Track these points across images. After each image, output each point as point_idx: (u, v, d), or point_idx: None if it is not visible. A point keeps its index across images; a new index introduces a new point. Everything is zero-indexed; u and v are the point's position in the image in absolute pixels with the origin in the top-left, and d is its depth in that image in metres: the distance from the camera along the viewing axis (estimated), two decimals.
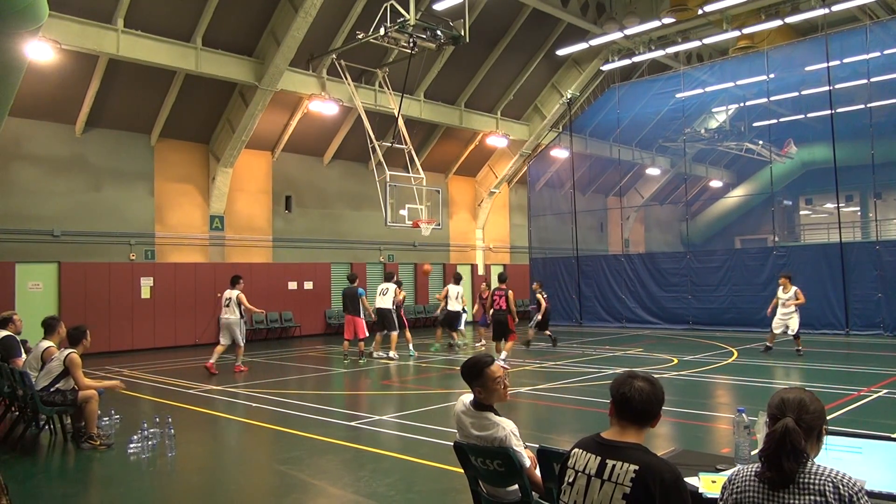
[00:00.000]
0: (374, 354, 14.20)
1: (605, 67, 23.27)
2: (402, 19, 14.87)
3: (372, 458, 6.54)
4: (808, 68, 20.24)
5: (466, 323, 17.94)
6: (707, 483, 2.85)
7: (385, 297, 14.21)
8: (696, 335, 18.11)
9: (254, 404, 9.41)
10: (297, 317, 20.12)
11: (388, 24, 15.04)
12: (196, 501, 5.67)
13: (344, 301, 14.28)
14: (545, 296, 16.25)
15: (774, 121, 25.39)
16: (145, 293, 17.43)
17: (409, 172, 17.88)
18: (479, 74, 21.69)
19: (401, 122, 18.46)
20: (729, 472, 2.53)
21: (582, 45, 21.21)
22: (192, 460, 6.77)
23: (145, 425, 6.89)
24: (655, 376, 2.53)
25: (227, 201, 18.95)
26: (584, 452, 2.43)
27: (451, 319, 15.79)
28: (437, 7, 16.13)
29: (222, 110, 18.17)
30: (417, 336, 16.68)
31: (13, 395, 7.40)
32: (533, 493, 3.33)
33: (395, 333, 14.12)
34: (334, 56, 18.16)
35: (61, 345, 7.34)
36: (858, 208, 30.90)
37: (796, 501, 2.08)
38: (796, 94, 22.90)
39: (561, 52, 21.96)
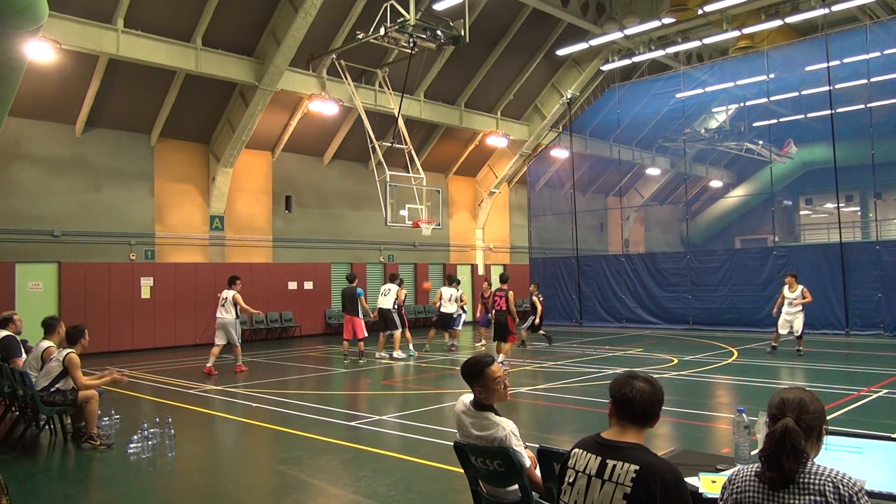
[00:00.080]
0: (377, 355, 14.20)
1: (605, 67, 23.27)
2: (402, 19, 14.87)
3: (372, 458, 6.54)
4: (808, 68, 20.25)
5: (466, 323, 17.92)
6: (707, 483, 2.85)
7: (386, 297, 14.24)
8: (696, 335, 18.11)
9: (254, 404, 9.41)
10: (297, 317, 20.12)
11: (388, 24, 15.04)
12: (196, 501, 5.67)
13: (343, 301, 14.29)
14: (541, 298, 16.35)
15: (774, 121, 25.39)
16: (145, 293, 17.43)
17: (409, 172, 17.88)
18: (479, 74, 21.69)
19: (401, 122, 18.46)
20: (729, 472, 2.53)
21: (582, 45, 21.21)
22: (193, 460, 6.77)
23: (145, 425, 6.89)
24: (655, 376, 2.53)
25: (228, 201, 18.95)
26: (585, 452, 2.43)
27: (445, 321, 15.80)
28: (437, 7, 16.13)
29: (222, 110, 18.17)
30: (417, 336, 16.67)
31: (13, 395, 7.40)
32: (533, 493, 3.33)
33: (398, 333, 14.16)
34: (334, 56, 18.16)
35: (61, 345, 7.34)
36: (858, 208, 30.90)
37: (796, 501, 2.08)
38: (796, 94, 22.91)
39: (561, 52, 21.96)
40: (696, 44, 21.95)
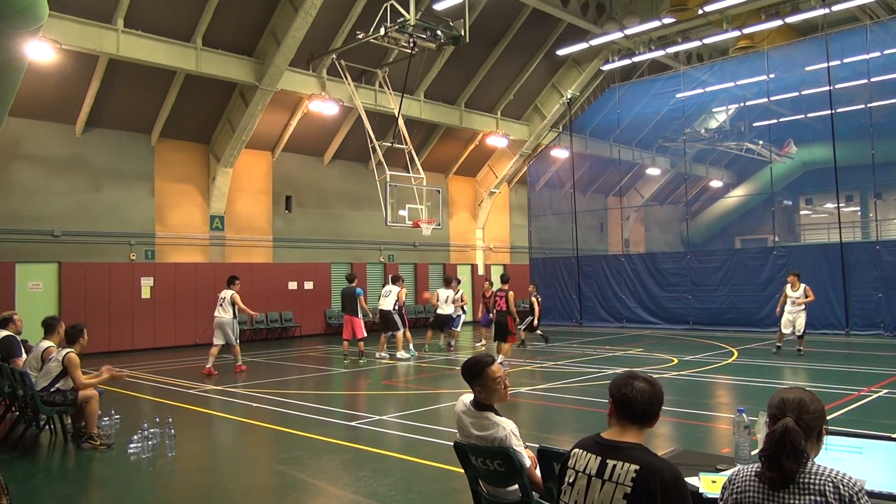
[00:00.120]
0: (377, 355, 14.20)
1: (606, 67, 23.27)
2: (402, 19, 14.87)
3: (372, 458, 6.54)
4: (808, 68, 20.25)
5: (465, 323, 17.89)
6: (707, 483, 2.85)
7: (387, 298, 14.26)
8: (696, 335, 18.11)
9: (254, 404, 9.41)
10: (297, 317, 20.12)
11: (388, 24, 15.04)
12: (196, 501, 5.67)
13: (342, 301, 14.30)
14: (539, 298, 16.36)
15: (774, 121, 25.39)
16: (145, 293, 17.44)
17: (409, 172, 17.87)
18: (479, 74, 21.69)
19: (401, 122, 18.46)
20: (729, 472, 2.53)
21: (582, 45, 21.21)
22: (193, 460, 6.77)
23: (145, 425, 6.89)
24: (655, 376, 2.53)
25: (228, 201, 18.95)
26: (585, 453, 2.43)
27: (441, 322, 15.79)
28: (437, 7, 16.13)
29: (222, 110, 18.17)
30: (416, 337, 16.66)
31: (13, 395, 7.40)
32: (533, 493, 3.33)
33: (399, 333, 14.19)
34: (334, 56, 18.16)
35: (60, 344, 7.34)
36: (858, 208, 30.90)
37: (796, 501, 2.08)
38: (796, 94, 22.90)
39: (561, 52, 21.96)
40: (696, 44, 21.95)
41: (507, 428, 3.36)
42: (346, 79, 18.55)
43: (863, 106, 18.82)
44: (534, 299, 16.17)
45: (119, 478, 6.16)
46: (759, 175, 30.04)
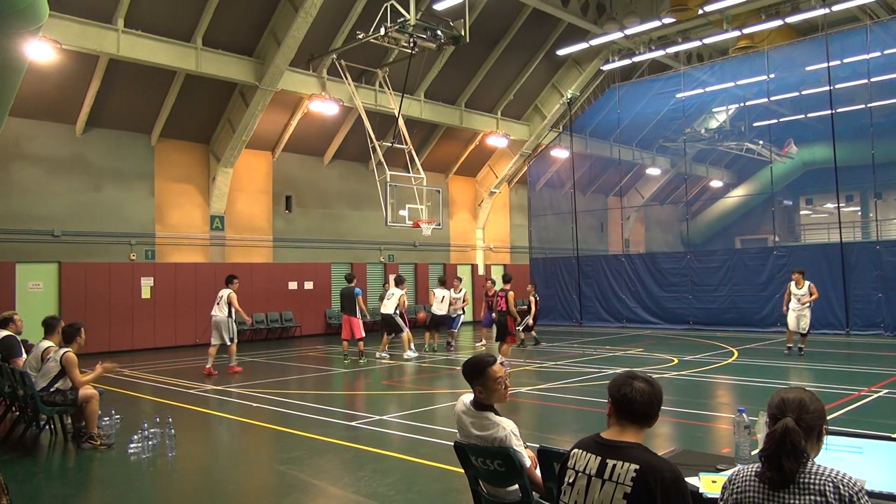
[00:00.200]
0: (377, 355, 14.22)
1: (606, 67, 23.27)
2: (402, 19, 14.87)
3: (372, 458, 6.54)
4: (808, 68, 20.25)
5: (465, 323, 17.87)
6: (707, 483, 2.85)
7: (389, 301, 14.29)
8: (696, 335, 18.11)
9: (254, 404, 9.41)
10: (297, 317, 20.12)
11: (389, 24, 15.04)
12: (196, 501, 5.67)
13: (341, 301, 14.31)
14: (537, 298, 16.37)
15: (775, 121, 25.38)
16: (146, 293, 17.44)
17: (409, 172, 17.88)
18: (480, 74, 21.69)
19: (401, 122, 18.46)
20: (729, 472, 2.53)
21: (582, 45, 21.21)
22: (193, 460, 6.77)
23: (145, 425, 6.89)
24: (655, 376, 2.53)
25: (228, 201, 18.96)
26: (584, 453, 2.43)
27: (437, 322, 15.78)
28: (438, 7, 16.13)
29: (223, 110, 18.17)
30: (416, 337, 16.66)
31: (14, 395, 7.40)
32: (533, 493, 3.33)
33: (404, 334, 14.23)
34: (334, 56, 18.16)
35: (60, 345, 7.33)
36: (859, 208, 30.90)
37: (796, 501, 2.08)
38: (796, 94, 22.90)
39: (561, 52, 21.96)
40: (696, 44, 21.94)
41: (507, 428, 3.36)
42: (347, 79, 18.55)
43: (863, 106, 18.82)
44: (532, 298, 16.20)
45: (119, 478, 6.17)
46: (760, 175, 30.04)
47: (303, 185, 20.97)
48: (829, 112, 18.36)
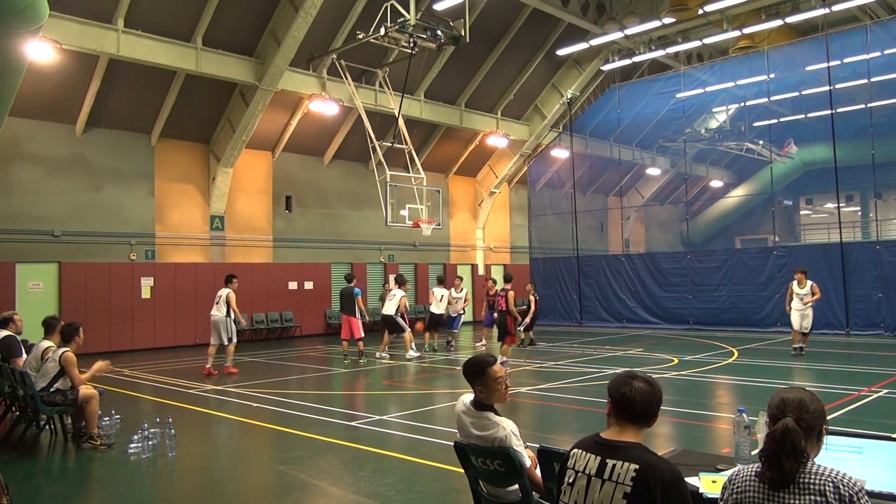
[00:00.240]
0: (377, 355, 14.23)
1: (606, 67, 23.27)
2: (402, 19, 14.87)
3: (372, 458, 6.54)
4: (808, 68, 20.24)
5: (465, 323, 17.85)
6: (707, 483, 2.85)
7: (390, 303, 14.34)
8: (696, 335, 18.11)
9: (254, 404, 9.41)
10: (297, 317, 20.12)
11: (389, 24, 15.04)
12: (196, 501, 5.67)
13: (341, 301, 14.34)
14: (536, 297, 16.38)
15: (775, 121, 25.37)
16: (146, 293, 17.44)
17: (409, 172, 17.88)
18: (480, 74, 21.69)
19: (401, 122, 18.46)
20: (729, 472, 2.53)
21: (582, 45, 21.21)
22: (193, 460, 6.77)
23: (146, 425, 6.89)
24: (656, 376, 2.53)
25: (228, 201, 18.96)
26: (584, 453, 2.43)
27: (436, 321, 15.79)
28: (438, 7, 16.13)
29: (223, 110, 18.17)
30: (416, 337, 16.66)
31: (14, 395, 7.40)
32: (533, 492, 3.33)
33: (406, 335, 14.25)
34: (334, 56, 18.16)
35: (60, 345, 7.33)
36: (859, 208, 30.90)
37: (796, 501, 2.08)
38: (796, 93, 22.89)
39: (561, 52, 21.96)
40: (696, 44, 21.94)
41: (507, 428, 3.36)
42: (347, 79, 18.55)
43: (863, 106, 18.82)
44: (532, 297, 16.21)
45: (119, 478, 6.17)
46: (760, 175, 30.03)
47: (303, 185, 20.97)
48: (829, 112, 18.36)
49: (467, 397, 3.57)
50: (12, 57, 7.88)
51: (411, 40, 15.26)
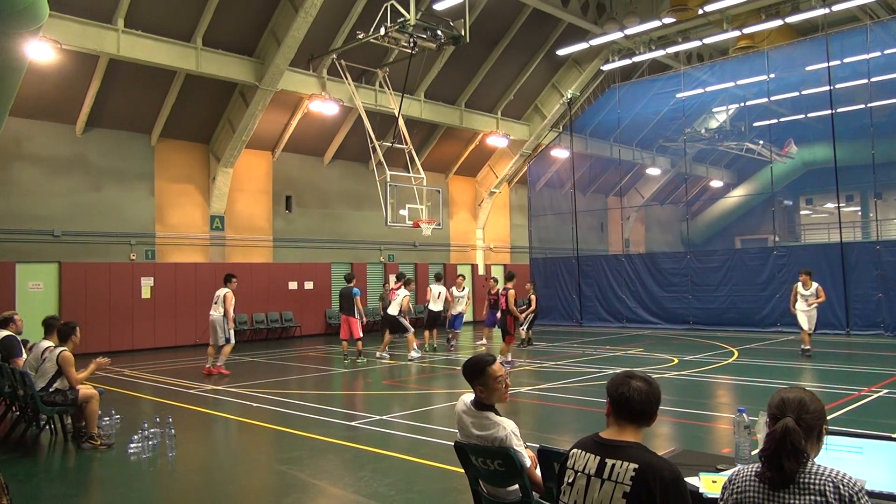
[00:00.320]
0: (378, 355, 14.25)
1: (606, 67, 23.27)
2: (402, 19, 14.87)
3: (372, 457, 6.54)
4: (808, 68, 20.24)
5: (465, 322, 17.85)
6: (707, 483, 2.85)
7: (393, 303, 14.35)
8: (696, 335, 18.11)
9: (254, 404, 9.41)
10: (297, 317, 20.12)
11: (389, 24, 15.04)
12: (196, 501, 5.67)
13: (340, 301, 14.36)
14: (535, 297, 16.41)
15: (775, 121, 25.38)
16: (146, 293, 17.44)
17: (409, 172, 17.88)
18: (480, 74, 21.69)
19: (401, 121, 18.46)
20: (729, 472, 2.53)
21: (582, 45, 21.21)
22: (193, 460, 6.77)
23: (146, 425, 6.89)
24: (656, 376, 2.53)
25: (228, 201, 18.96)
26: (584, 452, 2.43)
27: (433, 319, 15.80)
28: (438, 7, 16.13)
29: (223, 110, 18.17)
30: (416, 336, 16.67)
31: (14, 395, 7.40)
32: (533, 492, 3.33)
33: (409, 335, 14.27)
34: (334, 56, 18.16)
35: (58, 345, 7.32)
36: (859, 208, 30.90)
37: (797, 501, 2.08)
38: (797, 93, 22.89)
39: (561, 52, 21.96)
40: (696, 44, 21.94)
41: (507, 428, 3.36)
42: (347, 79, 18.55)
43: (863, 106, 18.82)
44: (532, 296, 16.26)
45: (119, 478, 6.17)
46: (760, 175, 30.04)
47: (303, 185, 20.97)
48: (830, 112, 18.36)
49: (468, 397, 3.57)
50: (12, 57, 7.88)
51: (411, 40, 15.26)
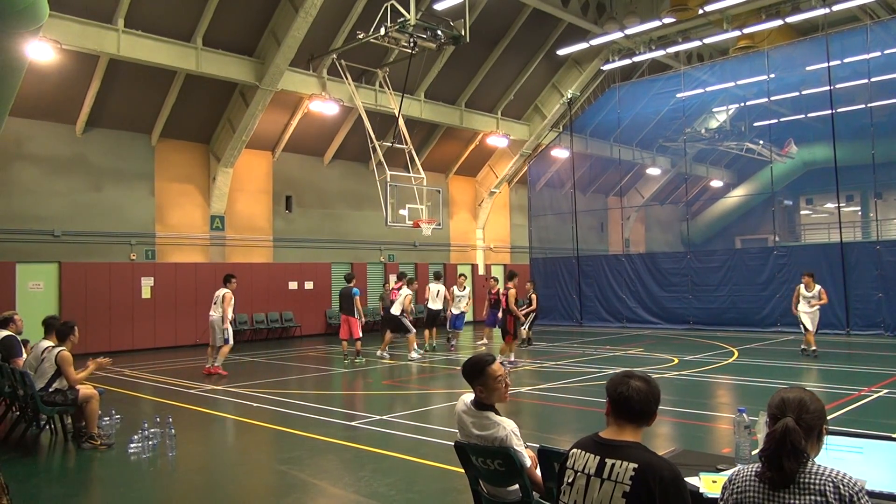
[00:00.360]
0: (378, 353, 14.28)
1: (606, 67, 23.27)
2: (402, 19, 14.87)
3: (372, 457, 6.54)
4: (808, 68, 20.24)
5: (466, 323, 17.86)
6: (708, 483, 2.85)
7: (396, 303, 14.36)
8: (696, 335, 18.10)
9: (254, 404, 9.41)
10: (297, 317, 20.12)
11: (389, 24, 15.03)
12: (197, 501, 5.67)
13: (340, 301, 14.37)
14: (536, 296, 16.42)
15: (775, 121, 25.37)
16: (146, 293, 17.44)
17: (409, 172, 17.88)
18: (480, 74, 21.69)
19: (401, 121, 18.46)
20: (729, 472, 2.52)
21: (582, 45, 21.21)
22: (193, 460, 6.77)
23: (146, 425, 6.88)
24: (656, 376, 2.54)
25: (228, 201, 18.96)
26: (583, 452, 2.43)
27: (432, 318, 15.81)
28: (438, 7, 16.13)
29: (223, 110, 18.17)
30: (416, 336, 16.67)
31: (14, 395, 7.40)
32: (533, 492, 3.33)
33: (411, 336, 14.27)
34: (335, 56, 18.16)
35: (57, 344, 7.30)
36: (859, 208, 30.89)
37: (797, 501, 2.08)
38: (797, 93, 22.89)
39: (561, 51, 21.96)
40: (696, 44, 21.94)
41: (507, 428, 3.36)
42: (347, 79, 18.55)
43: (863, 106, 18.82)
44: (533, 296, 16.28)
45: (119, 478, 6.17)
46: (760, 175, 30.03)
47: (303, 185, 20.97)
48: (830, 112, 18.36)
49: (468, 397, 3.57)
50: (12, 57, 7.88)
51: (411, 40, 15.26)
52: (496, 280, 16.05)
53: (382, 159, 17.34)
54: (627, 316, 21.22)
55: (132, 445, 6.72)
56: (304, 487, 5.76)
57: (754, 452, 2.66)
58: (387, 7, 15.11)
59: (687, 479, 2.34)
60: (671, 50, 22.41)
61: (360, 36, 16.26)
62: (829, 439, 2.37)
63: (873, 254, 17.05)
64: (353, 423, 8.09)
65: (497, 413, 3.48)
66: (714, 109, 26.82)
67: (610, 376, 2.53)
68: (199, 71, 16.20)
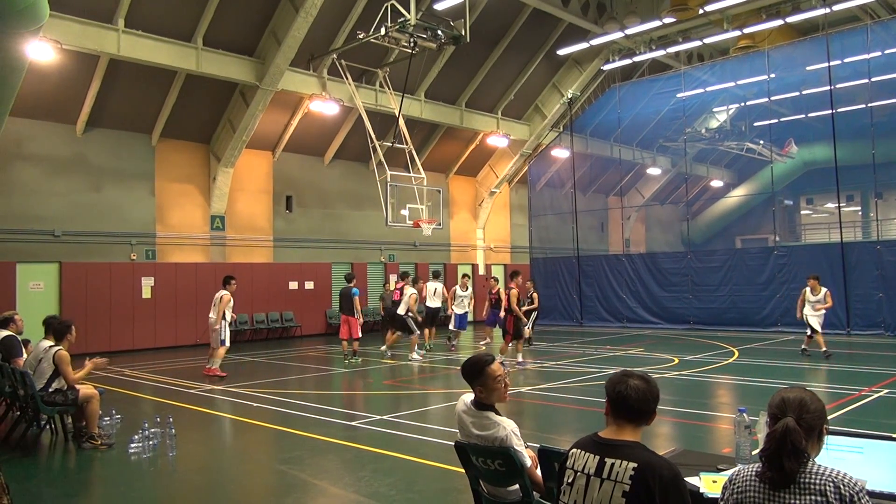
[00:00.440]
0: (381, 349, 14.35)
1: (606, 67, 23.27)
2: (402, 19, 14.87)
3: (372, 457, 6.54)
4: (808, 68, 20.24)
5: (469, 322, 17.85)
6: (708, 483, 2.84)
7: (402, 303, 14.38)
8: (696, 335, 18.10)
9: (255, 404, 9.42)
10: (297, 317, 20.12)
11: (389, 24, 15.04)
12: (197, 501, 5.67)
13: (340, 301, 14.37)
14: (537, 294, 16.44)
15: (775, 120, 25.37)
16: (146, 293, 17.44)
17: (409, 172, 17.88)
18: (480, 74, 21.69)
19: (401, 121, 18.46)
20: (730, 472, 2.52)
21: (582, 45, 21.21)
22: (193, 460, 6.77)
23: (146, 425, 6.89)
24: (656, 376, 2.54)
25: (228, 201, 18.96)
26: (583, 452, 2.43)
27: (432, 316, 15.80)
28: (438, 7, 16.14)
29: (223, 110, 18.17)
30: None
31: (14, 395, 7.40)
32: (534, 492, 3.33)
33: (414, 336, 14.28)
34: (335, 56, 18.16)
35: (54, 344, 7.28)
36: (859, 208, 30.89)
37: (797, 501, 2.08)
38: (797, 93, 22.90)
39: (562, 51, 21.96)
40: (696, 43, 21.94)
41: (507, 428, 3.36)
42: (347, 79, 18.55)
43: (863, 106, 18.82)
44: (534, 294, 16.30)
45: (119, 478, 6.17)
46: (760, 175, 30.03)
47: (303, 185, 20.97)
48: (830, 112, 18.35)
49: (468, 397, 3.57)
50: (13, 57, 7.89)
51: (411, 40, 15.26)
52: (496, 280, 16.06)
53: (383, 159, 17.34)
54: (628, 316, 21.22)
55: (132, 445, 6.72)
56: (305, 487, 5.76)
57: (755, 452, 2.65)
58: (387, 7, 15.12)
59: (687, 479, 2.34)
60: (671, 50, 22.41)
61: (361, 36, 16.26)
62: (829, 439, 2.37)
63: (874, 254, 17.05)
64: (353, 423, 8.09)
65: (497, 413, 3.48)
66: (714, 109, 26.83)
67: (610, 376, 2.53)
68: (200, 71, 16.21)
